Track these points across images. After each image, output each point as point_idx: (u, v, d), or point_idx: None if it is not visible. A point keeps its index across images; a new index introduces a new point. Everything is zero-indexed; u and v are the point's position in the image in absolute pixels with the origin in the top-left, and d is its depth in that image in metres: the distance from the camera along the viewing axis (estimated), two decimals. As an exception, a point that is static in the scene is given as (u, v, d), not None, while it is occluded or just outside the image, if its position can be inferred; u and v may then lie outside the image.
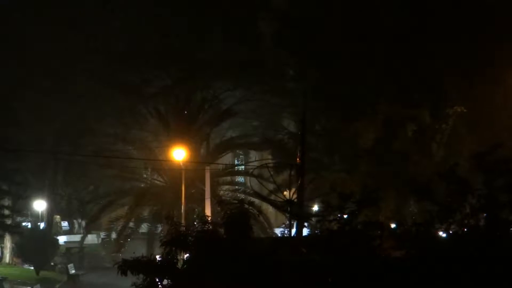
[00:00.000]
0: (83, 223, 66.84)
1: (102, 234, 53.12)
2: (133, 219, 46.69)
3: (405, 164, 38.67)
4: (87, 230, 53.39)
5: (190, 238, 17.30)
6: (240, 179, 53.81)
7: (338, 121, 41.94)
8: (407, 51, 38.85)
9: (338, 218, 16.63)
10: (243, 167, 55.36)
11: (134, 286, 16.73)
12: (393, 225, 17.71)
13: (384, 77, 39.83)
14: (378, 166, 39.29)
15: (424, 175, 30.80)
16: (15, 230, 53.08)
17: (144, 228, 47.61)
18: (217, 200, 28.80)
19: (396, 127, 40.51)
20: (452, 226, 16.28)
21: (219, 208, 18.25)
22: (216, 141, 51.32)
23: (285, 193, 32.19)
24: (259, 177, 41.20)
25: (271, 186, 36.23)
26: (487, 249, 15.58)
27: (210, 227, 17.43)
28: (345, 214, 16.64)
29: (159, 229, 44.40)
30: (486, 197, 16.12)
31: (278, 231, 45.69)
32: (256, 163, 52.25)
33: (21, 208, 58.02)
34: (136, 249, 34.76)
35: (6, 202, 53.42)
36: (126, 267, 16.77)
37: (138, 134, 49.61)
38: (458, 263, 15.33)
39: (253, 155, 59.35)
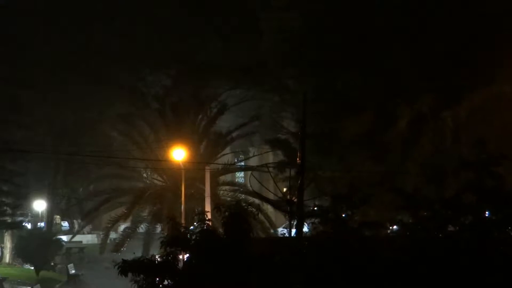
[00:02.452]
0: (83, 223, 66.90)
1: (102, 234, 53.05)
2: (132, 219, 46.64)
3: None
4: (83, 226, 52.99)
5: (189, 236, 17.32)
6: (240, 179, 53.69)
7: (344, 116, 41.54)
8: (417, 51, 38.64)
9: (333, 220, 16.60)
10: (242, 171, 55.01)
11: (134, 283, 16.71)
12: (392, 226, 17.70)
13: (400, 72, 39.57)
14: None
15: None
16: (16, 226, 53.04)
17: (143, 228, 47.55)
18: (214, 205, 28.79)
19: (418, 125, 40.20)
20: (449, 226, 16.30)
21: (219, 209, 18.18)
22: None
23: (284, 190, 32.12)
24: (259, 171, 41.13)
25: (271, 186, 36.15)
26: (486, 249, 15.61)
27: (210, 225, 17.42)
28: (339, 216, 16.61)
29: (158, 229, 44.38)
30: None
31: (278, 231, 45.74)
32: (256, 159, 52.25)
33: (21, 208, 58.01)
34: (135, 249, 34.77)
35: (7, 201, 53.41)
36: (127, 267, 16.76)
37: (138, 134, 49.52)
38: (456, 263, 15.36)
39: (252, 153, 59.27)
